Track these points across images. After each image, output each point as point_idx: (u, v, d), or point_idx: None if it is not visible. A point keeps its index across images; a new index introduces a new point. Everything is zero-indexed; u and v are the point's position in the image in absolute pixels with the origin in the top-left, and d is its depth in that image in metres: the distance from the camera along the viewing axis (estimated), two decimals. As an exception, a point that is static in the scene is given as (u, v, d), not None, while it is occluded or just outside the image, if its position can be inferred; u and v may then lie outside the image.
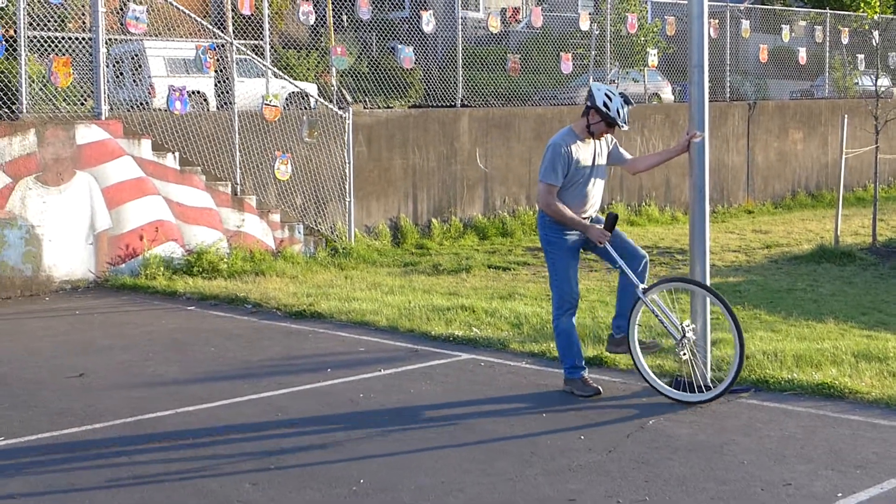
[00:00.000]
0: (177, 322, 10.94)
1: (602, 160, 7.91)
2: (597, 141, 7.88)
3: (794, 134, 23.80)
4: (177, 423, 7.19)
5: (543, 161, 7.79)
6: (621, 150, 8.10)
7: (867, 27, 26.61)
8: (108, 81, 13.77)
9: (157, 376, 8.58)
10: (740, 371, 7.52)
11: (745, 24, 23.97)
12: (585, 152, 7.81)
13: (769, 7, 28.29)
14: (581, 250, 7.91)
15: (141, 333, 10.36)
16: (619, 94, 7.74)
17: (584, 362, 7.90)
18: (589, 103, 7.75)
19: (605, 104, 7.67)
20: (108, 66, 13.98)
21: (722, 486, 5.87)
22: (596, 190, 7.88)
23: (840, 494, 5.72)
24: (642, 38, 22.24)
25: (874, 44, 25.37)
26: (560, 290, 7.80)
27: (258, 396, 7.89)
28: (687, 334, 7.58)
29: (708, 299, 7.81)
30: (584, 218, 7.81)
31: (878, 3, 17.51)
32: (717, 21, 22.74)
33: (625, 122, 7.74)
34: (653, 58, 21.92)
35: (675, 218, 20.23)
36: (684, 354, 7.57)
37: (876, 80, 18.58)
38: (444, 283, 13.46)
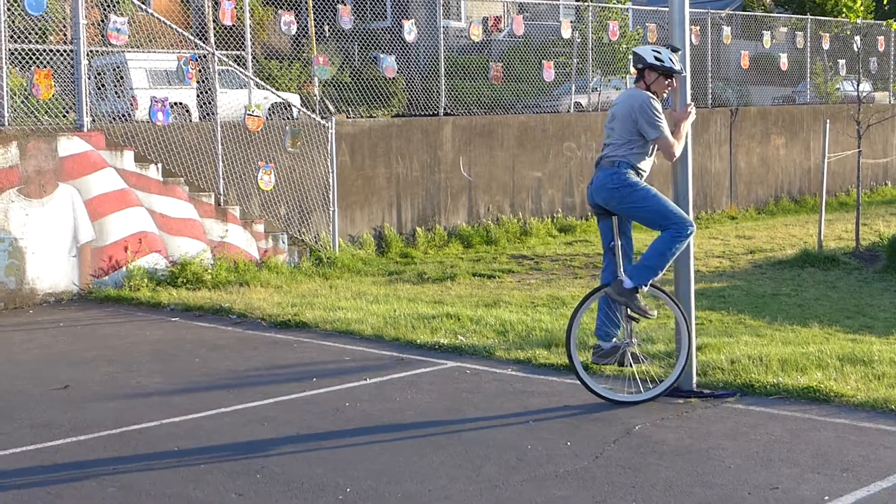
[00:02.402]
0: (161, 333, 10.90)
1: None
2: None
3: (776, 139, 23.89)
4: (162, 434, 7.15)
5: (647, 119, 7.55)
6: None
7: (848, 32, 26.80)
8: (89, 93, 13.73)
9: (142, 387, 8.54)
10: (679, 377, 7.70)
11: (727, 30, 24.07)
12: None
13: (750, 13, 28.41)
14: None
15: (125, 345, 10.31)
16: (664, 45, 7.77)
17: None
18: (640, 66, 7.71)
19: (656, 58, 7.64)
20: (89, 78, 13.94)
21: (709, 491, 5.87)
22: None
23: (827, 497, 5.72)
24: (624, 46, 22.30)
25: (855, 49, 25.54)
26: (674, 213, 7.61)
27: (243, 406, 7.86)
28: (632, 340, 7.81)
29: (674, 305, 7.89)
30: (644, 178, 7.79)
31: (861, 9, 17.61)
32: (698, 28, 22.83)
33: (681, 68, 7.73)
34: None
35: (659, 224, 20.23)
36: (610, 360, 7.82)
37: (857, 86, 18.66)
38: (428, 291, 13.45)
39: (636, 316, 7.73)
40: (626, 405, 7.62)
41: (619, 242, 7.78)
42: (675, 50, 7.72)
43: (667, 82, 7.75)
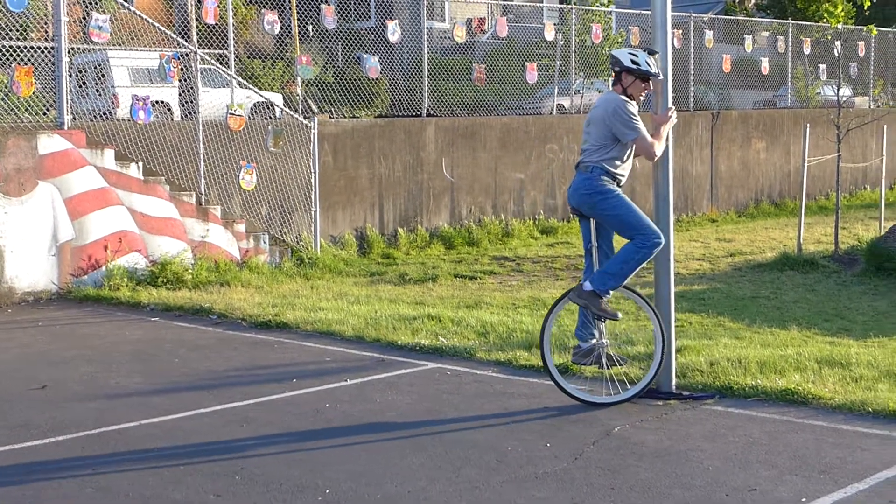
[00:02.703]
0: (141, 333, 10.87)
1: None
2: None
3: (757, 143, 23.98)
4: (141, 435, 7.14)
5: (622, 122, 7.58)
6: None
7: (829, 37, 26.90)
8: (70, 91, 13.68)
9: (121, 388, 8.52)
10: (655, 376, 7.74)
11: (709, 34, 24.15)
12: None
13: (732, 17, 28.52)
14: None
15: (104, 345, 10.28)
16: (641, 48, 7.82)
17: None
18: (617, 68, 7.74)
19: (632, 61, 7.66)
20: (70, 76, 13.89)
21: (687, 493, 5.89)
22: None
23: (804, 499, 5.75)
24: (607, 48, 22.34)
25: (836, 54, 25.62)
26: (642, 224, 7.61)
27: (223, 407, 7.85)
28: (604, 341, 7.87)
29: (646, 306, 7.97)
30: (623, 182, 7.77)
31: (842, 13, 17.69)
32: (680, 31, 22.90)
33: (660, 71, 7.73)
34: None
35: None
36: (588, 360, 7.88)
37: (838, 90, 18.73)
38: (410, 292, 13.45)
39: (601, 316, 7.77)
40: (600, 406, 7.66)
41: (598, 244, 7.81)
42: (652, 53, 7.74)
43: (643, 85, 7.76)
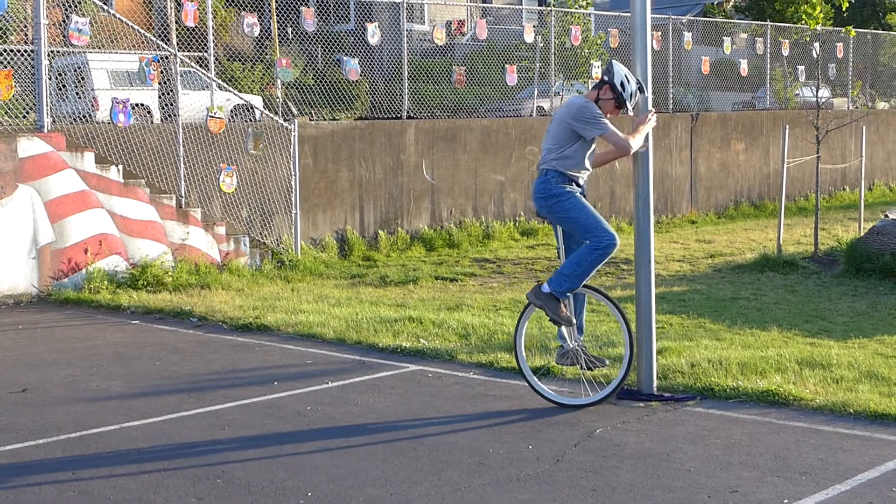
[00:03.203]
0: (121, 336, 10.83)
1: None
2: None
3: (736, 145, 24.08)
4: (122, 438, 7.11)
5: (584, 120, 7.56)
6: None
7: (808, 39, 27.03)
8: (50, 94, 13.63)
9: (102, 391, 8.48)
10: (626, 376, 7.74)
11: (688, 36, 24.23)
12: None
13: (711, 20, 28.63)
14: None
15: (85, 348, 10.24)
16: (636, 78, 7.71)
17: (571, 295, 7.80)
18: (606, 78, 7.67)
19: (622, 84, 7.59)
20: (50, 79, 13.84)
21: (669, 494, 5.91)
22: (592, 155, 7.82)
23: (786, 501, 5.77)
24: (586, 51, 22.42)
25: (814, 55, 25.76)
26: (596, 226, 7.56)
27: (204, 410, 7.83)
28: (578, 343, 7.87)
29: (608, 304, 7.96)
30: (580, 185, 7.74)
31: (821, 15, 17.77)
32: (659, 33, 22.97)
33: (632, 108, 7.71)
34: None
35: (621, 228, 20.36)
36: (567, 360, 7.90)
37: (816, 92, 18.83)
38: (391, 294, 13.45)
39: (556, 321, 7.72)
40: (574, 408, 7.68)
41: (567, 246, 7.79)
42: (642, 91, 7.69)
43: (614, 108, 7.70)
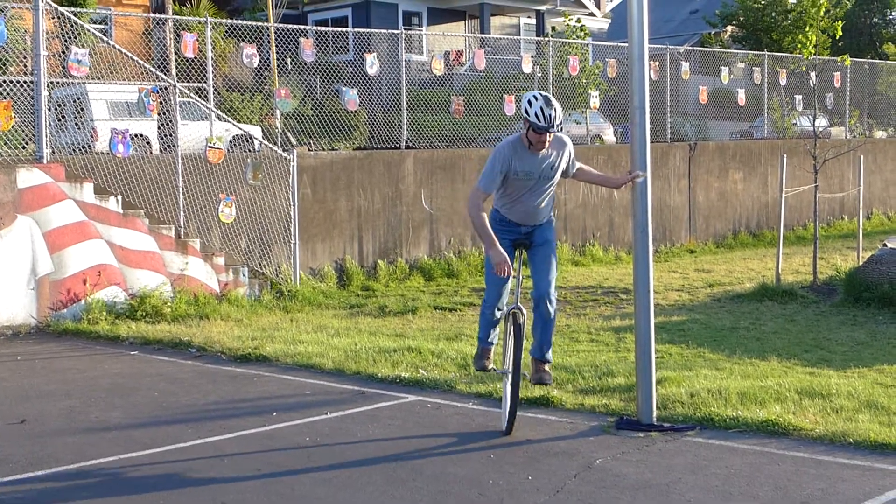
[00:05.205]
0: (120, 367, 10.81)
1: (551, 172, 7.75)
2: (547, 153, 7.70)
3: (734, 174, 24.12)
4: (120, 470, 7.09)
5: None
6: (577, 163, 8.04)
7: (804, 69, 27.15)
8: (49, 125, 13.67)
9: (101, 422, 8.46)
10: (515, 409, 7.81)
11: (685, 66, 24.32)
12: (528, 163, 7.66)
13: (708, 49, 28.74)
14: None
15: (83, 379, 10.22)
16: (543, 95, 7.53)
17: (492, 344, 8.08)
18: (520, 112, 7.70)
19: (525, 110, 7.49)
20: (49, 110, 13.89)
21: (669, 525, 5.88)
22: (538, 202, 7.77)
23: (786, 531, 5.75)
24: (584, 81, 22.49)
25: (811, 85, 25.89)
26: (486, 284, 7.98)
27: (203, 441, 7.81)
28: (507, 371, 7.87)
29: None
30: (519, 225, 7.80)
31: (812, 45, 17.86)
32: (657, 63, 23.06)
33: (549, 125, 7.44)
34: (594, 100, 22.17)
35: (619, 258, 20.38)
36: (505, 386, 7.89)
37: (814, 121, 18.90)
38: (390, 324, 13.44)
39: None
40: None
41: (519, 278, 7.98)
42: (549, 104, 7.45)
43: (537, 136, 7.54)
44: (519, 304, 7.84)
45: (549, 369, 8.09)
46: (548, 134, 7.54)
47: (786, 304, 14.79)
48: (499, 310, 7.89)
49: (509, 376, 7.83)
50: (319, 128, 18.62)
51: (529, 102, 7.49)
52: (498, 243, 7.51)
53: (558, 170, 7.82)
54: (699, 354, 11.15)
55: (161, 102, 14.92)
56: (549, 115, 7.45)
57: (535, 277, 7.93)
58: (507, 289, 7.87)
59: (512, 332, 7.83)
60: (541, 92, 7.60)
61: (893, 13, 56.00)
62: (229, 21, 19.12)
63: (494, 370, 8.13)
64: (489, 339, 8.05)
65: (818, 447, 7.35)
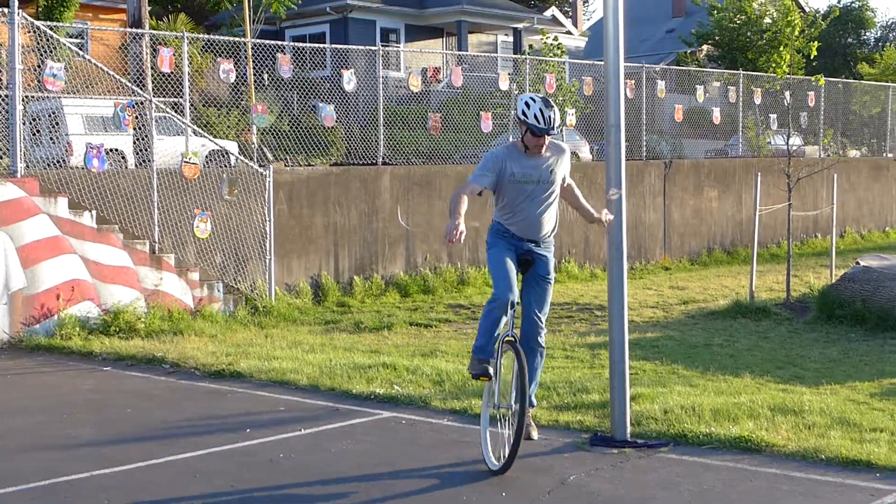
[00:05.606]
0: (93, 383, 10.75)
1: (551, 177, 7.54)
2: (545, 156, 7.54)
3: (709, 192, 24.24)
4: (91, 487, 7.04)
5: None
6: (569, 179, 7.80)
7: (779, 88, 27.33)
8: (24, 139, 13.60)
9: (72, 438, 8.40)
10: (518, 439, 7.11)
11: (661, 84, 24.45)
12: (525, 165, 7.50)
13: (684, 68, 28.92)
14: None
15: (56, 394, 10.15)
16: (541, 97, 7.41)
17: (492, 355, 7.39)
18: (516, 115, 7.44)
19: (523, 112, 7.33)
20: (24, 124, 13.82)
21: (642, 541, 5.89)
22: (538, 212, 7.54)
23: (758, 547, 5.77)
24: (560, 98, 22.57)
25: (786, 104, 26.06)
26: (494, 280, 7.53)
27: (175, 458, 7.77)
28: (512, 406, 7.25)
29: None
30: (531, 241, 7.57)
31: (787, 65, 18.00)
32: (633, 81, 23.17)
33: (549, 127, 7.30)
34: (571, 117, 22.25)
35: (595, 275, 20.42)
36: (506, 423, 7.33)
37: (788, 140, 19.03)
38: (365, 340, 13.42)
39: (474, 375, 7.44)
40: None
41: (521, 299, 7.61)
42: (548, 105, 7.32)
43: (535, 139, 7.41)
44: (512, 330, 7.44)
45: (531, 416, 7.77)
46: (546, 137, 7.42)
47: (759, 321, 14.86)
48: (511, 307, 7.36)
49: (512, 410, 7.21)
50: (296, 143, 18.61)
51: (527, 104, 7.34)
52: (462, 219, 7.25)
53: (558, 175, 7.60)
54: (673, 371, 11.18)
55: (137, 117, 14.88)
56: (549, 117, 7.31)
57: (530, 306, 7.66)
58: (515, 279, 7.47)
59: (515, 362, 7.25)
60: (537, 94, 7.43)
61: (867, 33, 56.56)
62: (206, 36, 19.11)
63: (498, 407, 7.36)
64: (490, 347, 7.35)
65: (791, 463, 7.38)
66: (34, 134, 15.98)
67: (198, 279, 14.79)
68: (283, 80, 18.50)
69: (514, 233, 7.63)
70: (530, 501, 6.61)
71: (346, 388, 9.96)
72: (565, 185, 7.78)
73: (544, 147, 7.51)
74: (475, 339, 7.51)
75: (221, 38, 18.47)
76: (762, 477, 7.09)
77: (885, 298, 14.16)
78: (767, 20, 32.64)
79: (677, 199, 23.43)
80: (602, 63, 8.19)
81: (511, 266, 7.53)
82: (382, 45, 26.87)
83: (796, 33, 31.89)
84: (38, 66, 14.15)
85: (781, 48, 31.31)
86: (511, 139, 7.77)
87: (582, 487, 6.89)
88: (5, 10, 13.36)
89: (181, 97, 16.64)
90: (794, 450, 7.58)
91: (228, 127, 19.24)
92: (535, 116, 7.29)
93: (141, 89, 15.62)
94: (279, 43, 19.30)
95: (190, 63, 17.32)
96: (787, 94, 26.90)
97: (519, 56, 26.73)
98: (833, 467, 7.26)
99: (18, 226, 12.98)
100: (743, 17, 33.02)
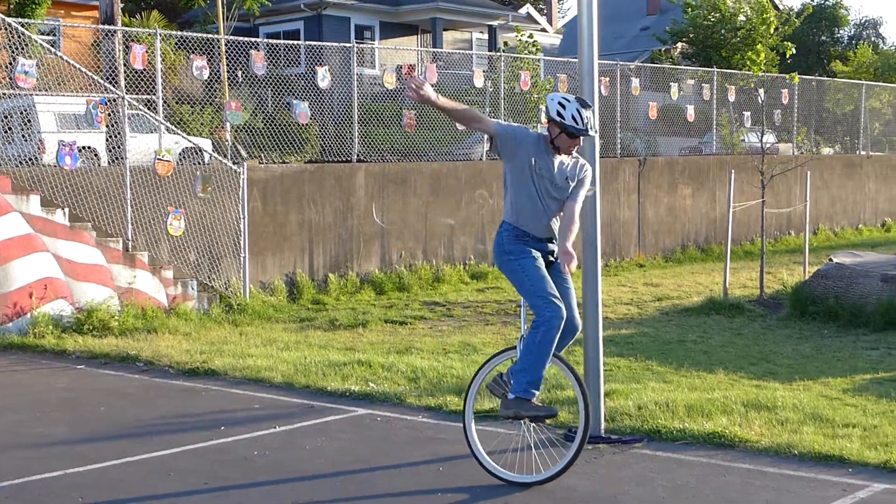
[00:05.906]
0: (66, 381, 10.69)
1: (566, 184, 6.96)
2: (566, 159, 7.01)
3: (683, 189, 24.33)
4: (65, 485, 7.00)
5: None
6: (580, 190, 7.07)
7: (753, 85, 27.46)
8: (-5, 136, 13.51)
9: (46, 436, 8.36)
10: (578, 453, 6.90)
11: (635, 81, 24.52)
12: (547, 161, 6.93)
13: (658, 66, 29.00)
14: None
15: (29, 393, 10.09)
16: (575, 97, 6.99)
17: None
18: (547, 117, 6.94)
19: (558, 113, 6.84)
20: (-4, 121, 13.72)
21: (616, 537, 5.91)
22: (544, 210, 6.94)
23: (731, 542, 5.80)
24: (535, 96, 22.60)
25: (760, 101, 26.19)
26: (536, 294, 6.79)
27: (149, 456, 7.74)
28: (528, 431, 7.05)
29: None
30: (540, 240, 6.98)
31: (763, 61, 18.08)
32: (607, 79, 23.22)
33: (589, 128, 6.86)
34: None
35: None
36: (520, 432, 7.14)
37: (762, 137, 19.14)
38: (340, 338, 13.41)
39: (538, 418, 6.93)
40: (525, 486, 6.90)
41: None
42: (585, 105, 6.92)
43: (570, 141, 6.91)
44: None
45: (510, 406, 6.91)
46: (581, 139, 6.99)
47: (733, 317, 14.94)
48: (554, 300, 6.77)
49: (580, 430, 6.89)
50: (270, 141, 18.56)
51: (562, 105, 6.86)
52: (441, 98, 6.85)
53: (571, 184, 6.99)
54: (647, 367, 11.22)
55: (109, 114, 14.80)
56: (587, 119, 6.87)
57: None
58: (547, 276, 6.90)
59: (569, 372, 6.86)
60: (569, 95, 6.96)
61: (841, 31, 56.90)
62: (179, 33, 19.03)
63: (570, 432, 7.07)
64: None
65: (764, 459, 7.42)
66: (6, 132, 15.87)
67: (172, 277, 14.74)
68: (256, 77, 18.45)
69: (531, 232, 6.99)
70: (504, 496, 6.62)
71: (321, 386, 9.95)
72: (573, 204, 7.00)
73: (577, 148, 7.07)
74: (526, 372, 6.77)
75: (195, 34, 18.41)
76: (735, 472, 7.13)
77: (858, 295, 14.25)
78: (741, 18, 32.79)
79: (651, 196, 23.50)
80: (577, 60, 8.21)
81: (548, 275, 6.91)
82: (357, 42, 26.83)
83: (771, 31, 32.06)
84: (10, 64, 14.06)
85: (756, 45, 31.47)
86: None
87: (556, 483, 6.89)
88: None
89: (154, 94, 16.55)
90: (768, 445, 7.63)
91: (202, 124, 19.17)
92: (574, 117, 6.83)
93: (114, 86, 15.55)
94: (253, 39, 19.25)
95: (163, 60, 17.24)
96: (761, 91, 27.03)
97: (494, 53, 26.75)
98: (806, 463, 7.30)
99: (-10, 224, 12.89)
100: (717, 14, 33.16)
